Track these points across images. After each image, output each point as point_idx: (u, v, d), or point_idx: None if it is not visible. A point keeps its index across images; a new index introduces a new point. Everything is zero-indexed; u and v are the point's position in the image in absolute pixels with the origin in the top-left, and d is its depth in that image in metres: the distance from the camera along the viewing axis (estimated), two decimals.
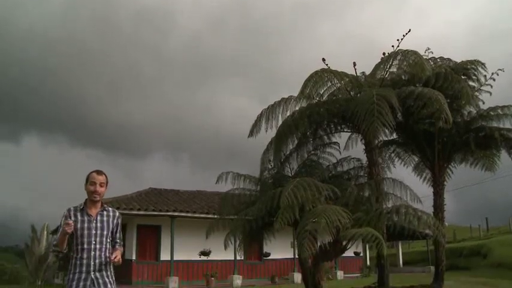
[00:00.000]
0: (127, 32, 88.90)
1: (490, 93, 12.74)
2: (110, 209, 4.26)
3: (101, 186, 4.13)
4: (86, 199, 4.15)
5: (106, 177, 4.19)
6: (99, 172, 4.17)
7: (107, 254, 4.07)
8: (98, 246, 4.01)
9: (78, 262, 3.96)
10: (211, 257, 20.09)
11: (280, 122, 12.02)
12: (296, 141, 12.66)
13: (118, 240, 4.25)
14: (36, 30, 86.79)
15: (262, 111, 12.07)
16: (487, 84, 12.73)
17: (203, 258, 20.16)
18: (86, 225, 4.04)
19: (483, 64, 12.50)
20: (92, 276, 3.94)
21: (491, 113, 12.61)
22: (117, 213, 4.30)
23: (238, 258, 18.43)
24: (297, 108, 12.01)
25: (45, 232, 30.97)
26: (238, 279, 19.55)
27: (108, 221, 4.16)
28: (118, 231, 4.28)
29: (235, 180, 12.35)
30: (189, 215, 19.57)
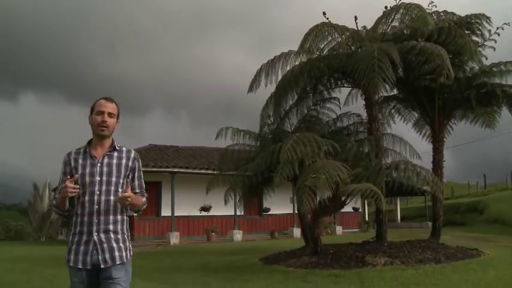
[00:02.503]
0: None
1: (494, 49, 12.53)
2: (124, 148, 3.20)
3: (111, 116, 3.11)
4: (91, 139, 3.17)
5: (117, 107, 3.19)
6: (108, 99, 3.16)
7: (116, 209, 3.05)
8: (103, 197, 2.99)
9: (78, 219, 3.00)
10: (212, 213, 20.36)
11: (280, 77, 11.90)
12: (296, 97, 12.60)
13: (137, 190, 3.19)
14: None
15: (261, 66, 11.93)
16: (491, 39, 12.50)
17: (203, 213, 20.44)
18: (87, 170, 3.04)
19: (488, 18, 12.21)
20: (95, 238, 2.97)
21: (494, 69, 12.44)
22: (134, 154, 3.22)
23: (238, 213, 18.68)
24: (297, 63, 11.86)
25: (47, 189, 31.30)
26: (238, 234, 19.87)
27: (119, 164, 3.11)
28: (136, 177, 3.21)
29: (235, 136, 12.37)
30: (189, 171, 19.68)
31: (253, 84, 12.09)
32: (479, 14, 12.42)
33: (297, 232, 20.41)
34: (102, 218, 2.99)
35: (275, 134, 12.73)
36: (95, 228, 2.98)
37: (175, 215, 18.97)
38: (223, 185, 12.90)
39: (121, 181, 3.08)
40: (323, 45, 11.54)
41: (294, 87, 11.91)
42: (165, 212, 19.56)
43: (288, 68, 11.87)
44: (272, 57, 11.90)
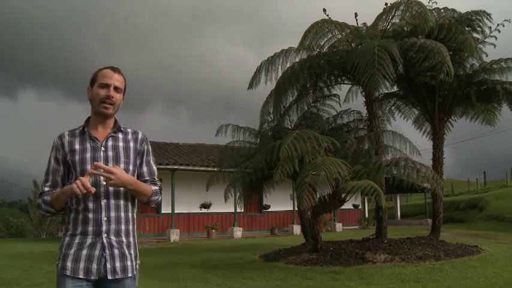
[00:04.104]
0: None
1: (494, 46, 12.52)
2: (129, 129, 2.59)
3: (117, 91, 2.49)
4: (89, 117, 2.56)
5: (125, 80, 2.57)
6: (115, 69, 2.53)
7: (127, 202, 2.44)
8: (111, 189, 2.37)
9: (80, 216, 2.35)
10: (212, 210, 20.40)
11: (280, 74, 11.90)
12: (296, 94, 12.61)
13: (147, 178, 2.54)
14: None
15: (261, 63, 11.94)
16: (492, 36, 12.49)
17: (204, 210, 20.46)
18: (88, 155, 2.41)
19: (489, 15, 12.20)
20: (105, 241, 2.32)
21: (495, 66, 12.42)
22: (141, 135, 2.59)
23: (238, 210, 18.71)
24: (297, 60, 11.88)
25: None
26: (238, 231, 19.90)
27: (127, 148, 2.49)
28: (145, 162, 2.57)
29: (235, 132, 12.39)
30: (189, 168, 19.70)
31: (253, 81, 12.12)
32: (480, 10, 12.41)
33: (297, 229, 20.44)
34: (112, 215, 2.36)
35: (275, 131, 12.74)
36: (104, 228, 2.32)
37: (175, 212, 18.99)
38: (223, 182, 12.92)
39: (131, 168, 2.46)
40: (323, 42, 11.53)
41: (294, 84, 11.91)
42: (165, 209, 19.58)
43: (288, 65, 11.90)
44: (272, 54, 11.91)
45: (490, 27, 12.37)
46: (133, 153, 2.51)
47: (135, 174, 2.50)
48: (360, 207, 26.16)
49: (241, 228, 20.19)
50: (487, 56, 12.64)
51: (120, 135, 2.52)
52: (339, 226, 23.35)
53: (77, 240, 2.34)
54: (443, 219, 13.67)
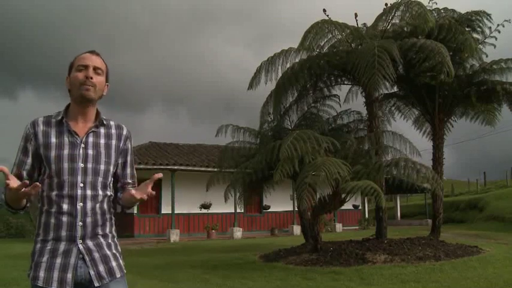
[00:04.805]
0: None
1: (494, 46, 12.52)
2: (112, 122, 2.33)
3: (97, 73, 2.22)
4: (68, 105, 2.26)
5: (105, 63, 2.30)
6: (93, 52, 2.28)
7: (105, 206, 2.21)
8: (89, 192, 2.13)
9: (51, 220, 2.10)
10: (212, 210, 20.40)
11: (280, 74, 11.92)
12: (296, 94, 12.62)
13: (130, 181, 2.36)
14: None
15: (261, 63, 11.95)
16: (492, 37, 12.49)
17: (204, 211, 20.47)
18: (66, 151, 2.13)
19: (489, 15, 12.21)
20: (81, 247, 2.10)
21: (495, 67, 12.42)
22: (126, 131, 2.35)
23: (238, 210, 18.69)
24: (297, 61, 11.90)
25: None
26: (238, 232, 19.89)
27: (108, 146, 2.25)
28: (129, 164, 2.36)
29: (235, 133, 12.41)
30: (189, 168, 19.69)
31: (253, 81, 12.14)
32: (480, 11, 12.42)
33: (297, 229, 20.43)
34: (88, 220, 2.11)
35: (275, 131, 12.75)
36: (79, 233, 2.09)
37: (175, 212, 18.98)
38: (224, 183, 12.92)
39: (111, 169, 2.24)
40: (323, 43, 11.52)
41: (294, 84, 11.93)
42: (165, 209, 19.59)
43: (288, 65, 11.92)
44: (272, 54, 11.92)
45: (490, 28, 12.39)
46: (115, 152, 2.27)
47: (112, 175, 2.27)
48: (360, 207, 26.16)
49: (241, 229, 20.18)
50: (487, 56, 12.66)
51: (102, 130, 2.26)
52: (339, 226, 23.34)
53: (48, 246, 2.09)
54: (443, 219, 13.67)
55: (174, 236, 18.35)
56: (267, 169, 10.92)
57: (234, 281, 8.30)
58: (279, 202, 21.30)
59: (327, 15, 11.07)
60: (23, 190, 1.87)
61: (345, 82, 13.05)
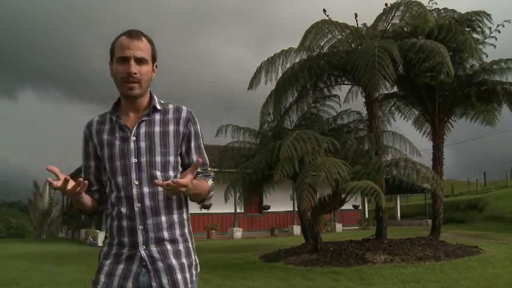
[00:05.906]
0: None
1: (494, 46, 12.52)
2: (171, 105, 2.04)
3: (141, 63, 1.92)
4: (119, 98, 2.04)
5: (150, 44, 1.99)
6: (133, 34, 1.95)
7: (171, 205, 2.01)
8: (146, 189, 1.90)
9: (114, 223, 1.93)
10: (212, 210, 20.38)
11: (280, 75, 11.92)
12: (296, 94, 12.62)
13: (200, 169, 2.02)
14: None
15: (261, 64, 11.96)
16: (492, 37, 12.49)
17: (204, 211, 20.45)
18: (117, 149, 1.94)
19: (489, 15, 12.20)
20: (143, 253, 1.89)
21: (495, 67, 12.42)
22: (186, 112, 2.03)
23: (238, 211, 18.70)
24: (297, 61, 11.90)
25: (47, 187, 31.31)
26: (238, 232, 19.90)
27: (165, 133, 1.96)
28: (193, 148, 2.04)
29: (235, 133, 12.42)
30: None
31: (253, 82, 12.14)
32: (480, 11, 12.41)
33: (297, 229, 20.43)
34: (149, 222, 1.90)
35: (275, 131, 12.75)
36: (140, 239, 1.89)
37: None
38: (223, 183, 12.91)
39: (171, 160, 1.96)
40: (323, 43, 11.53)
41: (294, 84, 11.93)
42: None
43: (288, 66, 11.92)
44: (272, 54, 11.93)
45: (490, 28, 12.37)
46: (175, 139, 1.97)
47: (178, 166, 2.01)
48: (360, 207, 26.15)
49: (241, 229, 20.19)
50: (487, 56, 12.64)
51: (157, 117, 1.98)
52: (339, 227, 23.35)
53: (113, 251, 1.93)
54: (443, 219, 13.67)
55: None
56: (267, 169, 10.92)
57: (234, 281, 8.29)
58: (279, 202, 21.30)
59: (327, 15, 11.09)
60: (68, 189, 1.74)
61: (345, 82, 13.05)
